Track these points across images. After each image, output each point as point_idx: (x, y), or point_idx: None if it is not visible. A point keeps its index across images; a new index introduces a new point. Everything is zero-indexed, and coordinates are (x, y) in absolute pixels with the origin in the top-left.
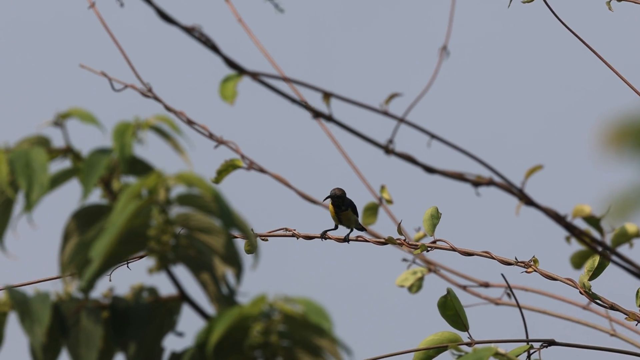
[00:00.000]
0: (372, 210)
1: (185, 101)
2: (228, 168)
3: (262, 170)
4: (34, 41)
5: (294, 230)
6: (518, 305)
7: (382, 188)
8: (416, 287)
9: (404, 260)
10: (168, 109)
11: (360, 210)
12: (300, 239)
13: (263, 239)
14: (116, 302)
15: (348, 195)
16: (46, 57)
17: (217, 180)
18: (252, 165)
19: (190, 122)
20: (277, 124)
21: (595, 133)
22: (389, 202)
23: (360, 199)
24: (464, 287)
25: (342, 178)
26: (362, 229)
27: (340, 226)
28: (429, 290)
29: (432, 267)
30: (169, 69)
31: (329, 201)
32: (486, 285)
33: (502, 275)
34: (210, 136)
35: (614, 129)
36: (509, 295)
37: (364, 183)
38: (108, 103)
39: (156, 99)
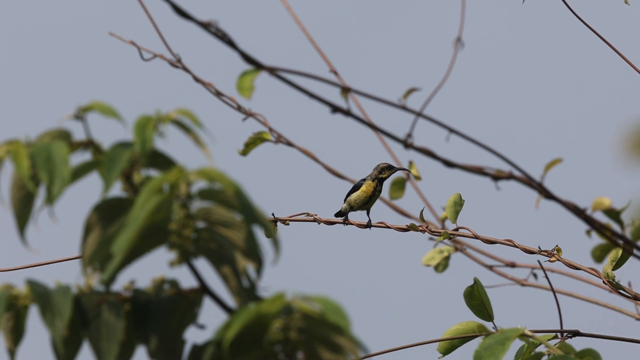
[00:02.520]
0: (400, 184)
1: (214, 73)
2: (256, 141)
3: (289, 144)
4: (60, 26)
5: (315, 215)
6: (551, 288)
7: (411, 164)
8: (442, 266)
9: (431, 239)
10: (196, 79)
11: (387, 185)
12: (322, 224)
13: (284, 223)
14: (137, 295)
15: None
16: (75, 39)
17: (245, 152)
18: (280, 139)
19: (218, 94)
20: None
21: (616, 138)
22: (417, 178)
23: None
24: (490, 267)
25: (361, 169)
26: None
27: (351, 214)
28: (455, 276)
29: (458, 246)
30: (198, 40)
31: (364, 182)
32: (512, 265)
33: (540, 255)
34: (239, 108)
35: (635, 135)
36: (535, 276)
37: (394, 160)
38: (135, 83)
39: (185, 69)
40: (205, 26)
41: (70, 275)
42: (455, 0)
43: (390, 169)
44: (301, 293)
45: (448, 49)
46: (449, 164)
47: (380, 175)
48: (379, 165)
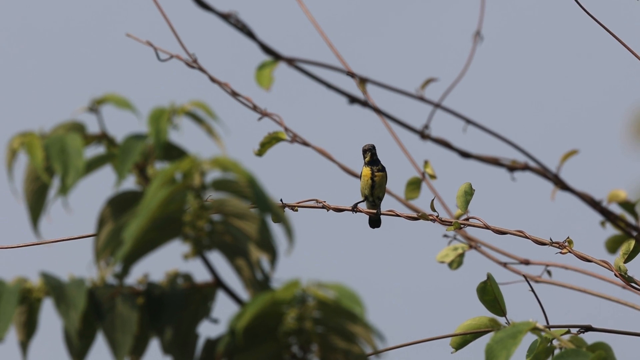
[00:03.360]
0: (415, 184)
1: (230, 73)
2: (271, 140)
3: (305, 143)
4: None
5: (324, 201)
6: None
7: (426, 163)
8: (456, 263)
9: (445, 236)
10: (212, 79)
11: (403, 184)
12: (331, 211)
13: (292, 209)
14: (151, 288)
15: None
16: (90, 36)
17: (261, 152)
18: (295, 138)
19: (234, 94)
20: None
21: (626, 124)
22: (433, 177)
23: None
24: (504, 264)
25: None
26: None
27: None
28: (468, 270)
29: (472, 244)
30: (214, 40)
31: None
32: (526, 262)
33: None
34: (254, 108)
35: None
36: (549, 273)
37: (408, 158)
38: (151, 80)
39: (201, 69)
40: (226, 17)
41: (83, 271)
42: None
43: (363, 151)
44: (316, 280)
45: (461, 41)
46: (464, 154)
47: (365, 159)
48: (362, 148)
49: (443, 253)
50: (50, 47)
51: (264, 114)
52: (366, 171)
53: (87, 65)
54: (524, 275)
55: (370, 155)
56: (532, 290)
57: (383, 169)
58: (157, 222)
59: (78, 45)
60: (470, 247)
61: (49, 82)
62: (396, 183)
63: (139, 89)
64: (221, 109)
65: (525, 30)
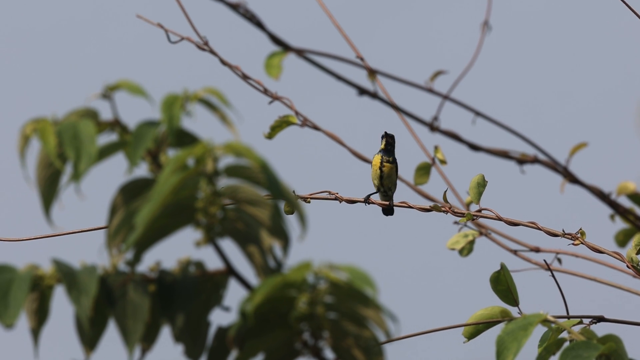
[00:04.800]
0: (424, 169)
1: (240, 57)
2: (282, 124)
3: (315, 127)
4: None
5: (337, 193)
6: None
7: (436, 149)
8: (467, 250)
9: (456, 223)
10: (223, 62)
11: (412, 169)
12: (343, 202)
13: (305, 201)
14: (163, 276)
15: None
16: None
17: (271, 135)
18: (306, 122)
19: (245, 77)
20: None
21: (638, 115)
22: (443, 162)
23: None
24: (515, 252)
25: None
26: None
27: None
28: (479, 259)
29: (483, 230)
30: (225, 23)
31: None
32: (537, 250)
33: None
34: (265, 91)
35: None
36: (559, 261)
37: (418, 143)
38: (162, 64)
39: (212, 52)
40: (234, 7)
41: (94, 258)
42: None
43: (382, 137)
44: (328, 262)
45: (470, 31)
46: (474, 147)
47: (381, 144)
48: (383, 134)
49: (454, 240)
50: (62, 32)
51: (274, 98)
52: (376, 160)
53: (97, 48)
54: (545, 261)
55: (386, 143)
56: (553, 276)
57: (394, 161)
58: (169, 209)
59: (88, 28)
60: (481, 234)
61: (62, 67)
62: (407, 171)
63: (150, 73)
64: (232, 92)
65: (534, 20)
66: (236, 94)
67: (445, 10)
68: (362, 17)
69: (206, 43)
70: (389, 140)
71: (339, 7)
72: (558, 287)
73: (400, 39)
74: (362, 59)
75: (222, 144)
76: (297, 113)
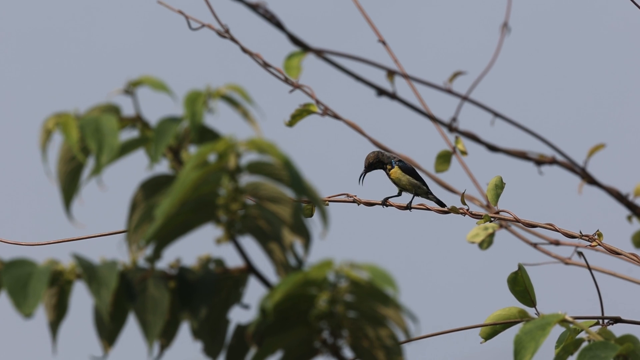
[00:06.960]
0: (445, 157)
1: (261, 45)
2: (302, 113)
3: (336, 117)
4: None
5: (355, 196)
6: (589, 270)
7: (457, 139)
8: (487, 243)
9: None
10: (244, 50)
11: (433, 157)
12: (362, 205)
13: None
14: (183, 272)
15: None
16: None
17: (291, 124)
18: (326, 111)
19: (266, 65)
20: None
21: None
22: (464, 153)
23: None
24: (535, 245)
25: (406, 151)
26: (433, 199)
27: (403, 194)
28: (498, 253)
29: (503, 223)
30: (246, 12)
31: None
32: (557, 243)
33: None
34: (286, 80)
35: None
36: (579, 254)
37: (441, 134)
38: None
39: (233, 40)
40: (254, 7)
41: (115, 254)
42: None
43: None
44: (349, 260)
45: (496, 29)
46: (492, 148)
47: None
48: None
49: (473, 232)
50: (81, 20)
51: (295, 86)
52: (392, 172)
53: (118, 35)
54: (579, 253)
55: (365, 169)
56: (589, 270)
57: (397, 165)
58: (190, 204)
59: (108, 15)
60: (501, 226)
61: (85, 59)
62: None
63: (170, 60)
64: (252, 80)
65: (552, 21)
66: (257, 82)
67: (461, 10)
68: (378, 15)
69: (227, 31)
70: (365, 166)
71: (350, 6)
72: (595, 284)
73: (419, 39)
74: (384, 43)
75: (245, 140)
76: (317, 102)
